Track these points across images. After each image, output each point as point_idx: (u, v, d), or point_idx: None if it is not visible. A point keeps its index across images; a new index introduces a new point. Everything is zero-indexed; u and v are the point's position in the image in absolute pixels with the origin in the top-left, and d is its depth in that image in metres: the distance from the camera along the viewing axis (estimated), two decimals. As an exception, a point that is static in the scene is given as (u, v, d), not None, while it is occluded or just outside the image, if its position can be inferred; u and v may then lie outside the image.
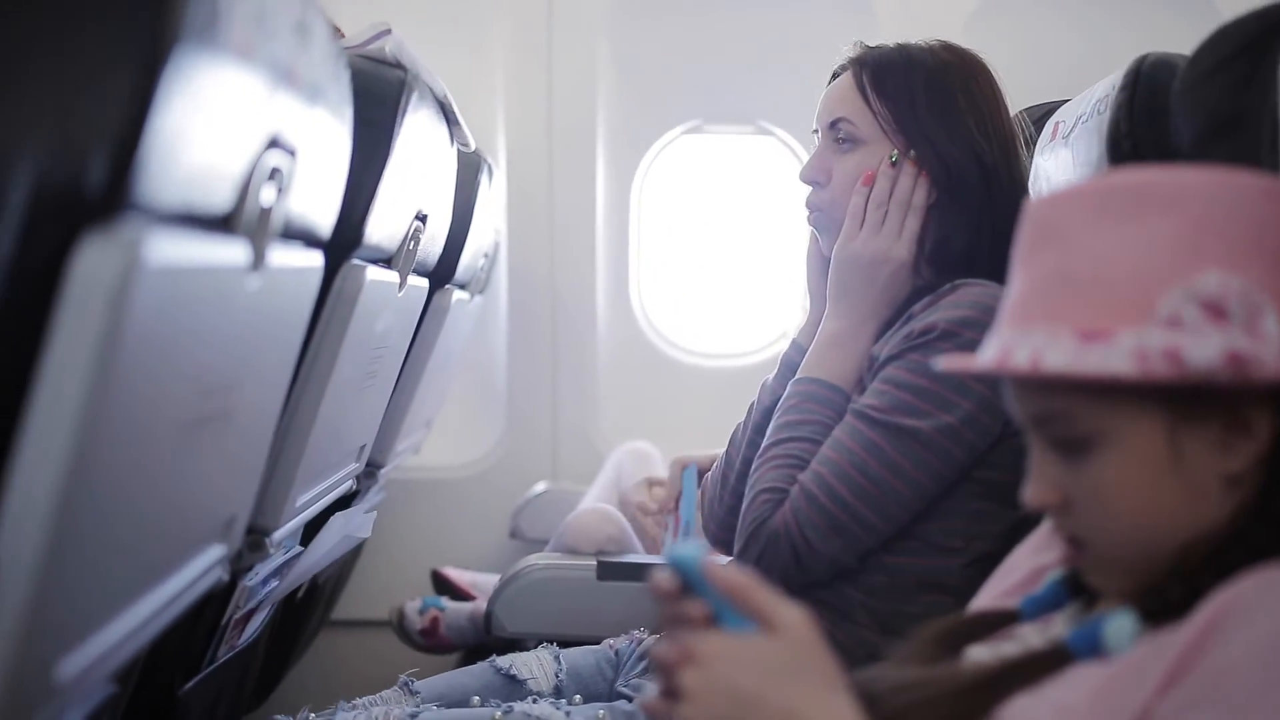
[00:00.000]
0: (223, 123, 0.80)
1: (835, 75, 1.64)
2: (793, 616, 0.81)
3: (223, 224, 0.87)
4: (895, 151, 1.56)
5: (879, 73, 1.58)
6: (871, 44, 1.62)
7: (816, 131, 1.64)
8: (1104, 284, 0.85)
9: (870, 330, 1.57)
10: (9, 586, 0.70)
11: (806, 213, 1.67)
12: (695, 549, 0.82)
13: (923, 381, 1.44)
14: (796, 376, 1.59)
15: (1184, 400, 0.83)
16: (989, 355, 0.90)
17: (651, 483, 2.45)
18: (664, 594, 0.83)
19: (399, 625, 2.60)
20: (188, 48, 0.71)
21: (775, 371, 1.71)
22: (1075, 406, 0.86)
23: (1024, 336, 0.87)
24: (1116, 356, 0.82)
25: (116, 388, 0.72)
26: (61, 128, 0.69)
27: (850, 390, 1.55)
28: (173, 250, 0.74)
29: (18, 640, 0.71)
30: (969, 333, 1.41)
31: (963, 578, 1.44)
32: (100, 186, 0.70)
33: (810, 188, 1.64)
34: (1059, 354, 0.84)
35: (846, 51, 1.63)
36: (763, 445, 1.56)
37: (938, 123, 1.55)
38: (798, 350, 1.68)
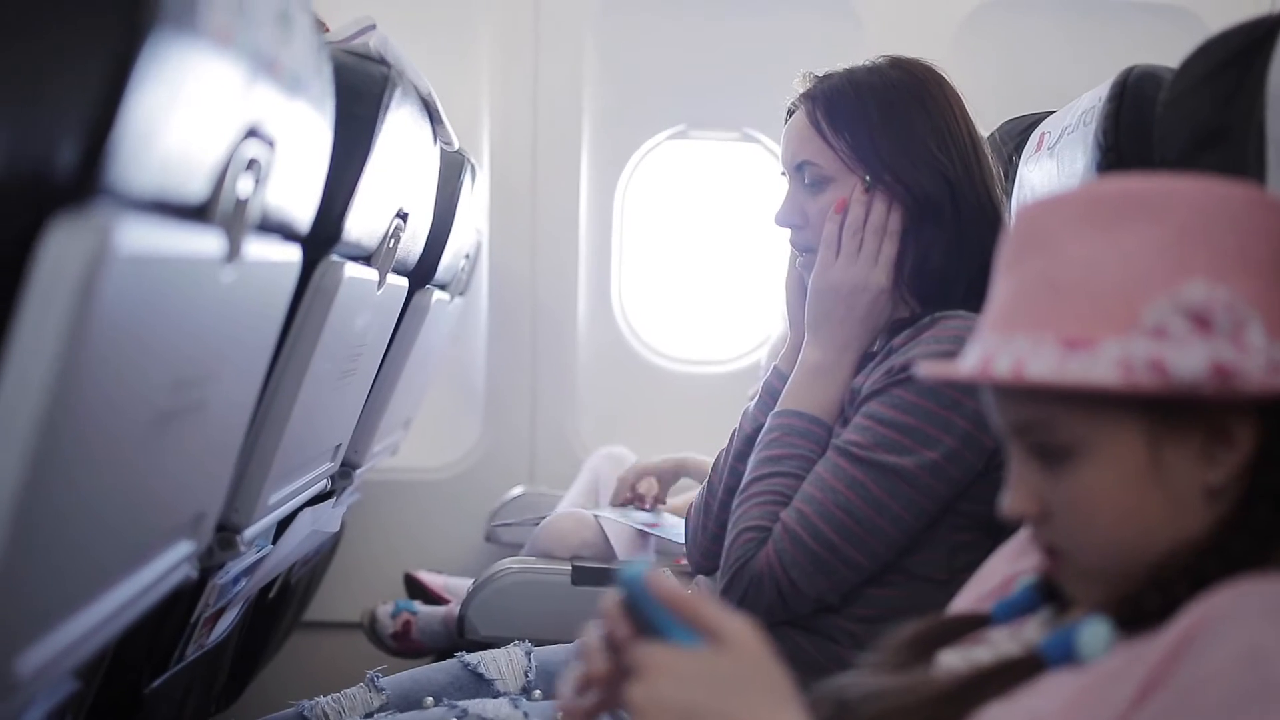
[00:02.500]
0: (199, 110, 0.79)
1: (790, 111, 1.63)
2: (740, 629, 0.80)
3: (197, 213, 0.86)
4: (869, 177, 1.55)
5: (831, 106, 1.56)
6: (819, 73, 1.61)
7: (784, 174, 1.63)
8: (1089, 292, 0.85)
9: (851, 359, 1.56)
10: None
11: (795, 255, 1.66)
12: (640, 565, 0.81)
13: (905, 418, 1.43)
14: (777, 408, 1.58)
15: (1167, 411, 0.83)
16: (971, 362, 0.89)
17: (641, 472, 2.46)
18: (608, 612, 0.82)
19: (370, 628, 2.58)
20: (164, 32, 0.70)
21: (756, 399, 1.70)
22: (1057, 415, 0.85)
23: (1007, 343, 0.87)
24: (1100, 366, 0.82)
25: (83, 376, 0.70)
26: (32, 109, 0.68)
27: (832, 421, 1.54)
28: (145, 238, 0.73)
29: (-24, 633, 0.70)
30: None
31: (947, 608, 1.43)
32: (71, 171, 0.68)
33: (788, 230, 1.63)
34: (1042, 362, 0.84)
35: (796, 85, 1.62)
36: (744, 479, 1.55)
37: (896, 147, 1.53)
38: (779, 377, 1.67)
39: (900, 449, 1.43)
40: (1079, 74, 1.93)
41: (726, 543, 1.51)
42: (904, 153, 1.53)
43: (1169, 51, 1.38)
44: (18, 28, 0.67)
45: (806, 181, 1.58)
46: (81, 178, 0.69)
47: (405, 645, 2.55)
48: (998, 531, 1.40)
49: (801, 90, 1.61)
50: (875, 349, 1.57)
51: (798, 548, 1.44)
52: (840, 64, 1.62)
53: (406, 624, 2.56)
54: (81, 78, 0.68)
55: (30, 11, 0.68)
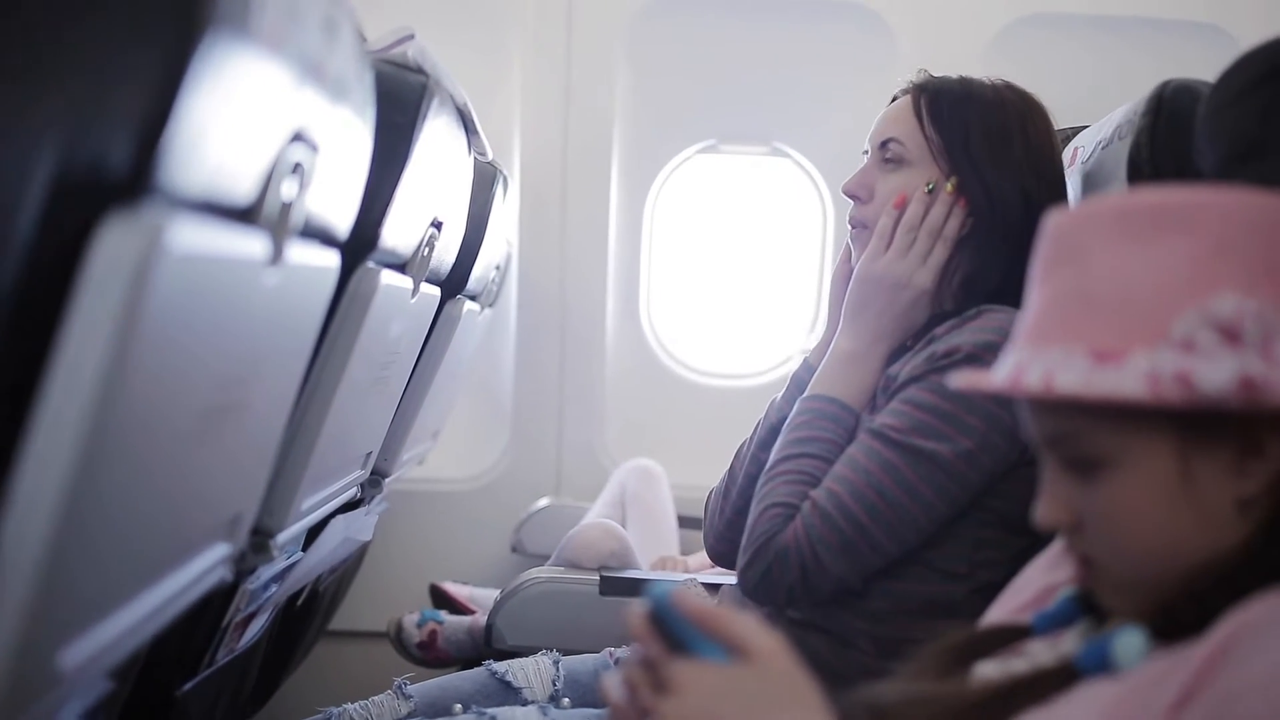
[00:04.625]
0: (250, 112, 0.80)
1: (895, 98, 1.64)
2: (768, 643, 0.81)
3: (244, 216, 0.87)
4: (932, 181, 1.55)
5: (937, 99, 1.58)
6: (936, 74, 1.63)
7: (866, 152, 1.63)
8: (1120, 304, 0.85)
9: (882, 352, 1.56)
10: (14, 572, 0.70)
11: (849, 228, 1.66)
12: (668, 583, 0.82)
13: (944, 404, 1.43)
14: (806, 393, 1.58)
15: (1196, 423, 0.83)
16: (1003, 374, 0.89)
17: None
18: (635, 629, 0.83)
19: (396, 638, 2.58)
20: (219, 35, 0.71)
21: (784, 390, 1.70)
22: (1087, 427, 0.85)
23: (1038, 355, 0.87)
24: (1128, 379, 0.82)
25: (132, 373, 0.71)
26: (88, 109, 0.69)
27: (861, 409, 1.54)
28: (195, 238, 0.74)
29: (21, 626, 0.71)
30: (992, 357, 1.40)
31: (967, 605, 1.43)
32: (124, 170, 0.69)
33: (852, 202, 1.63)
34: (1071, 375, 0.84)
35: (910, 78, 1.63)
36: (771, 459, 1.54)
37: (988, 155, 1.54)
38: (808, 370, 1.67)
39: (937, 435, 1.43)
40: (1109, 91, 1.94)
41: (751, 519, 1.51)
42: (993, 160, 1.54)
43: (1199, 69, 1.38)
44: (76, 27, 0.69)
45: (886, 158, 1.59)
46: (135, 177, 0.70)
47: (431, 655, 2.55)
48: (1023, 530, 1.40)
49: (914, 80, 1.62)
50: (910, 344, 1.57)
51: (827, 525, 1.44)
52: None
53: (433, 633, 2.56)
54: (137, 77, 0.69)
55: (88, 12, 0.69)
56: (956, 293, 1.56)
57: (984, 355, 1.41)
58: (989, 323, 1.46)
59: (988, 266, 1.54)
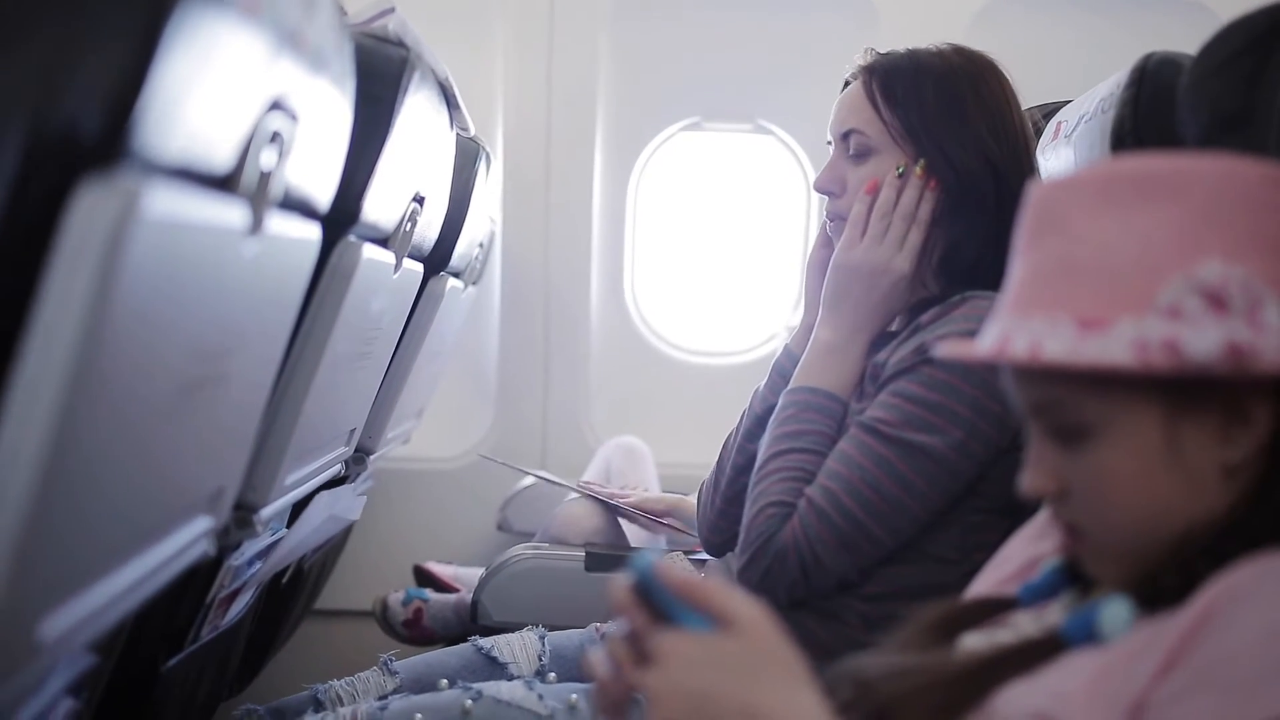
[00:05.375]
0: (226, 79, 0.79)
1: (846, 84, 1.62)
2: (750, 613, 0.81)
3: (222, 184, 0.86)
4: (902, 164, 1.54)
5: (888, 81, 1.56)
6: (882, 51, 1.61)
7: (830, 142, 1.62)
8: (1104, 272, 0.85)
9: (863, 340, 1.56)
10: (-7, 542, 0.69)
11: (827, 221, 1.66)
12: (651, 553, 0.82)
13: (935, 395, 1.43)
14: (791, 385, 1.57)
15: (1183, 390, 0.83)
16: (988, 342, 0.89)
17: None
18: (619, 601, 0.82)
19: (382, 616, 2.58)
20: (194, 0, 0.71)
21: (767, 378, 1.70)
22: (1073, 395, 0.85)
23: (1023, 324, 0.87)
24: (1115, 347, 0.82)
25: (109, 340, 0.71)
26: (60, 73, 0.68)
27: (847, 397, 1.54)
28: (171, 204, 0.73)
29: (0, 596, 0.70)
30: None
31: (960, 588, 1.43)
32: (98, 135, 0.69)
33: (826, 197, 1.63)
34: (1058, 343, 0.84)
35: (857, 60, 1.62)
36: (761, 455, 1.54)
37: (947, 128, 1.53)
38: (789, 357, 1.67)
39: (929, 427, 1.42)
40: (1091, 67, 1.93)
41: (746, 519, 1.50)
42: (954, 134, 1.53)
43: (1181, 44, 1.38)
44: (47, -8, 0.68)
45: (851, 151, 1.58)
46: (109, 142, 0.69)
47: (417, 632, 2.55)
48: (1013, 512, 1.41)
49: (861, 63, 1.61)
50: (896, 328, 1.57)
51: (824, 524, 1.44)
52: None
53: (418, 611, 2.56)
54: (110, 41, 0.68)
55: (61, -25, 0.68)
56: (936, 271, 1.56)
57: None
58: (973, 310, 1.45)
59: (963, 240, 1.53)
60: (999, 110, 1.55)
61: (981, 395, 1.41)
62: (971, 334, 1.40)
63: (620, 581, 0.83)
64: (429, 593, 2.62)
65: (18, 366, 0.68)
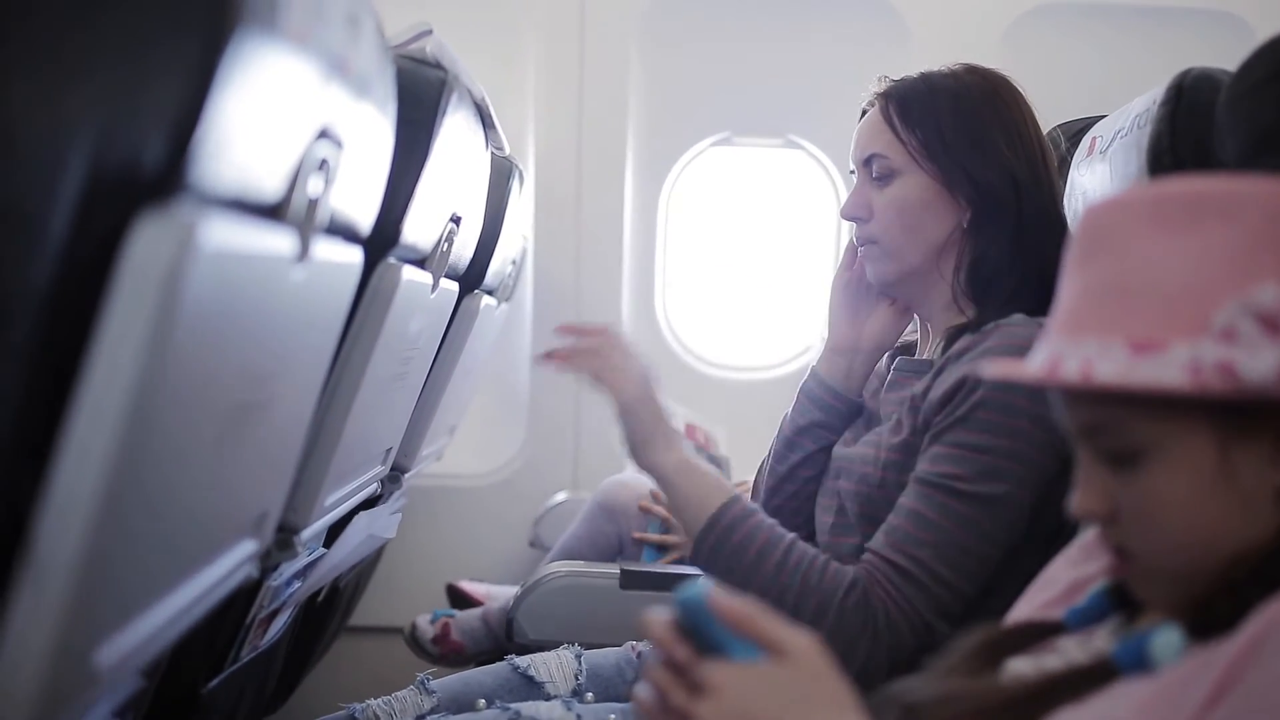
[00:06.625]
0: (278, 109, 0.80)
1: (864, 112, 1.63)
2: (800, 642, 0.81)
3: (272, 213, 0.87)
4: (938, 171, 1.55)
5: (904, 103, 1.57)
6: (895, 77, 1.62)
7: (853, 171, 1.63)
8: (1158, 294, 0.84)
9: None
10: (52, 571, 0.70)
11: (846, 257, 1.70)
12: (700, 585, 0.82)
13: (1000, 441, 1.41)
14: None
15: (1236, 413, 0.82)
16: (1038, 364, 0.88)
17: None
18: (659, 637, 0.82)
19: (412, 638, 2.59)
20: (248, 32, 0.71)
21: (794, 403, 1.71)
22: (1125, 418, 0.85)
23: (1075, 346, 0.86)
24: (1169, 369, 0.81)
25: (167, 371, 0.71)
26: (120, 108, 0.69)
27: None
28: (226, 235, 0.74)
29: (59, 624, 0.71)
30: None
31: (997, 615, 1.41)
32: (157, 168, 0.69)
33: (854, 224, 1.63)
34: (1110, 365, 0.83)
35: (872, 87, 1.63)
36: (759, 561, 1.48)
37: (965, 143, 1.54)
38: (816, 380, 1.69)
39: (999, 474, 1.41)
40: (1124, 81, 1.93)
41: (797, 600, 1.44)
42: (972, 149, 1.53)
43: (1218, 59, 1.37)
44: (107, 28, 0.68)
45: (874, 175, 1.59)
46: (167, 175, 0.70)
47: (447, 648, 2.56)
48: (1050, 539, 1.40)
49: (877, 90, 1.62)
50: (930, 355, 1.56)
51: (922, 592, 1.41)
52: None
53: (445, 626, 2.57)
54: (169, 76, 0.69)
55: (119, 13, 0.69)
56: (966, 289, 1.56)
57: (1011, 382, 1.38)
58: (1006, 340, 1.44)
59: (989, 249, 1.54)
60: (1015, 124, 1.56)
61: (1032, 428, 1.40)
62: (1009, 358, 1.40)
63: (658, 616, 0.83)
64: (456, 612, 2.63)
65: (78, 398, 0.69)
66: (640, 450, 1.53)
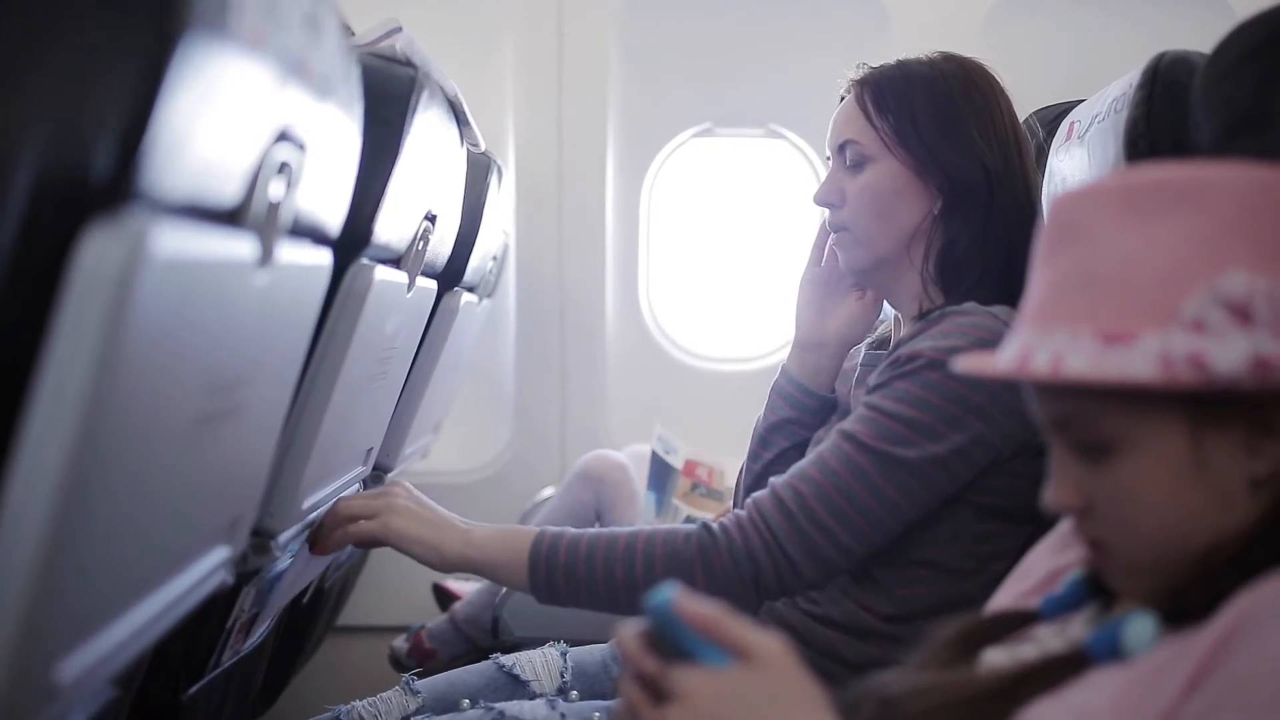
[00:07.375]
0: (232, 114, 0.79)
1: (842, 99, 1.64)
2: (769, 645, 0.81)
3: (230, 218, 0.86)
4: (909, 158, 1.56)
5: (879, 90, 1.57)
6: (873, 64, 1.62)
7: (829, 157, 1.64)
8: (1127, 284, 0.83)
9: None
10: (8, 586, 0.69)
11: (813, 253, 1.71)
12: (667, 591, 0.81)
13: (911, 411, 1.42)
14: None
15: (1208, 404, 0.82)
16: (1009, 357, 0.88)
17: None
18: (628, 651, 0.82)
19: (393, 661, 2.62)
20: (197, 35, 0.70)
21: (766, 403, 1.71)
22: (1096, 410, 0.84)
23: (1045, 338, 0.85)
24: (1139, 361, 0.80)
25: (120, 382, 0.70)
26: (66, 115, 0.68)
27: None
28: (180, 242, 0.73)
29: (17, 641, 0.70)
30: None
31: (983, 598, 1.41)
32: (105, 176, 0.68)
33: (827, 210, 1.63)
34: (1080, 358, 0.82)
35: (849, 74, 1.63)
36: None
37: (939, 132, 1.54)
38: (788, 379, 1.70)
39: (904, 442, 1.42)
40: (1106, 64, 1.92)
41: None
42: (945, 137, 1.54)
43: (1197, 40, 1.36)
44: (52, 34, 0.67)
45: (848, 161, 1.59)
46: (116, 183, 0.68)
47: (421, 656, 2.58)
48: (1024, 519, 1.40)
49: (854, 77, 1.62)
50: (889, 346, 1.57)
51: (789, 522, 1.43)
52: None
53: (417, 637, 2.60)
54: (116, 82, 0.68)
55: (63, 18, 0.68)
56: (935, 277, 1.56)
57: (947, 360, 1.39)
58: (951, 328, 1.45)
59: (959, 236, 1.54)
60: (989, 113, 1.56)
61: (960, 411, 1.41)
62: (949, 349, 1.41)
63: (629, 630, 0.82)
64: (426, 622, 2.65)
65: (30, 409, 0.68)
66: (442, 559, 1.52)
